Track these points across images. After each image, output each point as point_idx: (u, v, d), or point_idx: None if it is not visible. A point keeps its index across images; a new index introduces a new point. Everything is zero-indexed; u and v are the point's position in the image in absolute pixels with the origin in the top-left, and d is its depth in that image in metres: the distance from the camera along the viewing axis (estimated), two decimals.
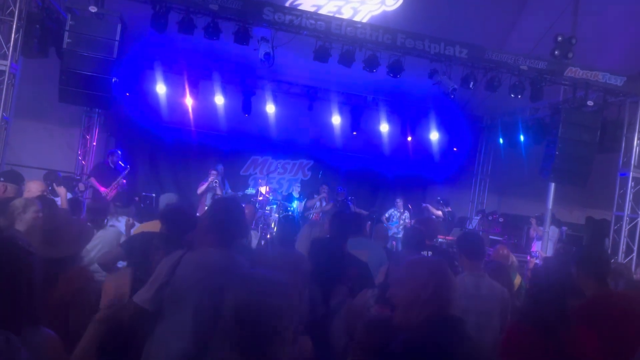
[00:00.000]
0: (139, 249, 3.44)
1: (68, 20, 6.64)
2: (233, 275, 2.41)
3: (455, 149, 12.26)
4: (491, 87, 8.24)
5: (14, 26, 6.60)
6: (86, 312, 2.11)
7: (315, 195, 11.15)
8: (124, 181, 9.13)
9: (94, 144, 11.13)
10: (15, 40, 6.68)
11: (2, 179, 4.49)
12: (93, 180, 9.08)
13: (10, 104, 6.86)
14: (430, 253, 4.41)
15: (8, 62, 6.64)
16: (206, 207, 9.73)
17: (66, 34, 6.55)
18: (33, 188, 4.69)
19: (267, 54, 7.36)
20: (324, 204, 10.93)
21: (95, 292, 2.49)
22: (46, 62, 7.48)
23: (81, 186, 8.54)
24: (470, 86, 8.16)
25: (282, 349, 1.35)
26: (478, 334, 2.63)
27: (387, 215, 11.19)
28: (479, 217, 11.64)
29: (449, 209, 11.33)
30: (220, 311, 2.31)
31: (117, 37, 6.74)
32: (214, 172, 9.96)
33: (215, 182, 9.84)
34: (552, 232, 9.74)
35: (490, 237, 10.39)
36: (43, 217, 2.73)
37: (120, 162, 9.39)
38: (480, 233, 9.88)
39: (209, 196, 9.95)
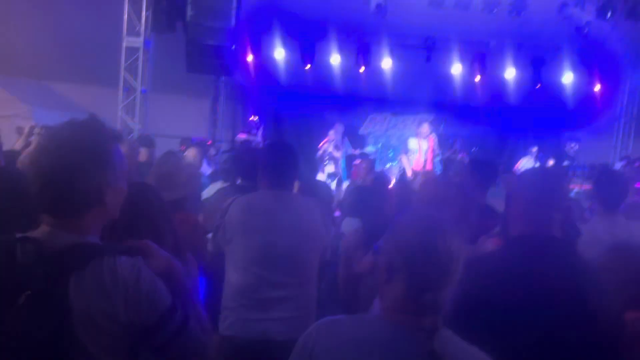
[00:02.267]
0: None
1: None
2: (285, 214, 2.54)
3: (598, 88, 10.99)
4: (634, 16, 7.28)
5: (144, 3, 7.17)
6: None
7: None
8: None
9: (221, 113, 11.86)
10: (146, 17, 7.28)
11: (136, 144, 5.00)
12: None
13: (146, 77, 7.54)
14: None
15: (142, 39, 7.28)
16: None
17: (189, 6, 6.98)
18: (190, 155, 5.31)
19: (378, 5, 7.22)
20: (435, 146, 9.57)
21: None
22: (178, 37, 8.01)
23: (212, 151, 9.17)
24: (608, 17, 7.29)
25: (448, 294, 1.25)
26: None
27: (519, 165, 9.91)
28: (622, 163, 10.51)
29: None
30: (276, 249, 2.48)
31: (234, 5, 7.04)
32: (331, 131, 10.06)
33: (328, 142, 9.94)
34: None
35: (637, 186, 9.35)
36: (156, 163, 2.97)
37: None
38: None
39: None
